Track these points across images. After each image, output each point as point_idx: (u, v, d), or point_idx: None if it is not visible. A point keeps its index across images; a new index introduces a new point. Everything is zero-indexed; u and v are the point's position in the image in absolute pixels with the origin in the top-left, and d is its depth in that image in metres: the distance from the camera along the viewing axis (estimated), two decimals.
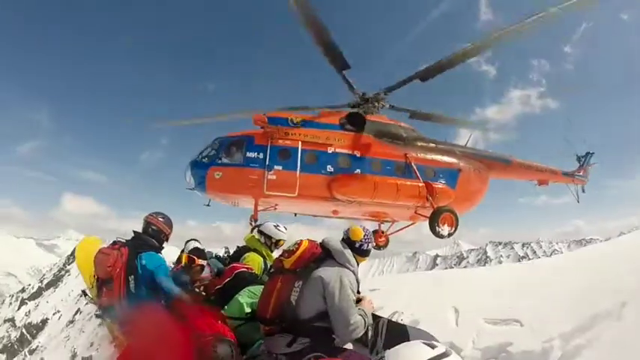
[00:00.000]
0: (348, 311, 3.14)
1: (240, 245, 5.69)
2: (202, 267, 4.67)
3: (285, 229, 5.56)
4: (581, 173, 13.79)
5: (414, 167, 8.35)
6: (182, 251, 5.67)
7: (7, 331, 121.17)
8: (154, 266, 4.39)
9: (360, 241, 3.79)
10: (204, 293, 4.40)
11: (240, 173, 7.67)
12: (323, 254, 3.49)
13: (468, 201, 9.22)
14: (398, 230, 10.39)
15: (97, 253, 4.47)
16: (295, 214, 9.32)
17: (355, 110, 8.73)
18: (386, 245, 10.78)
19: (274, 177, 7.51)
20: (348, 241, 3.76)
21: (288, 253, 3.53)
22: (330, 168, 8.00)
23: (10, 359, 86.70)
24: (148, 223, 4.81)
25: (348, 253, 3.50)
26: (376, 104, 8.97)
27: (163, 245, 4.84)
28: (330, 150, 8.00)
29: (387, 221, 10.22)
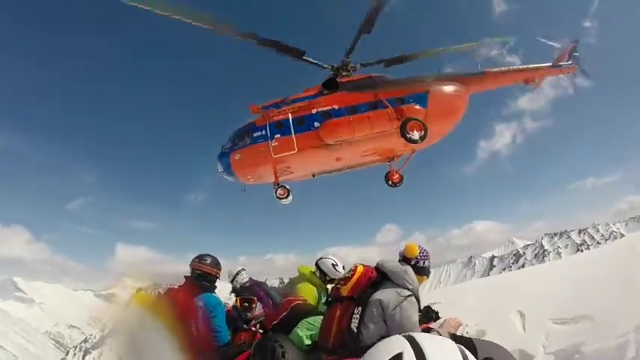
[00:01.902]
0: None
1: (294, 276, 5.72)
2: (256, 305, 4.81)
3: (344, 268, 5.48)
4: (568, 61, 13.12)
5: (384, 101, 9.52)
6: (233, 280, 5.97)
7: None
8: (212, 307, 4.52)
9: (416, 257, 3.73)
10: (261, 331, 4.42)
11: (252, 149, 9.49)
12: (379, 277, 3.40)
13: (446, 114, 9.99)
14: (405, 163, 11.03)
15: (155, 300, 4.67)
16: (314, 175, 10.72)
17: (340, 72, 10.10)
18: (401, 181, 11.17)
19: (276, 143, 9.27)
20: (404, 260, 3.70)
21: (344, 280, 3.48)
22: (316, 124, 9.62)
23: None
24: (193, 269, 4.95)
25: (406, 271, 3.39)
26: (347, 68, 10.19)
27: (215, 285, 4.95)
28: (313, 111, 9.60)
29: (391, 159, 10.89)
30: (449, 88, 10.31)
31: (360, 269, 3.47)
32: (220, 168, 10.46)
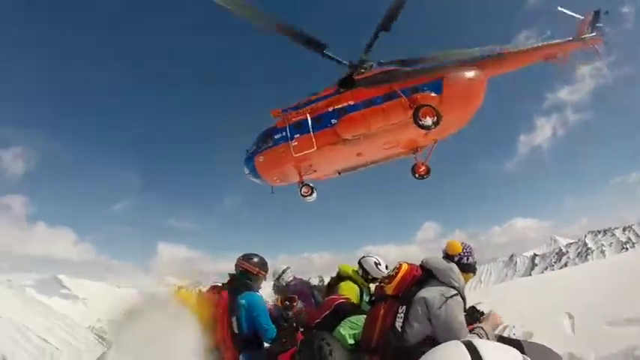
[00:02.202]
0: (458, 332, 2.91)
1: (335, 274, 5.68)
2: (297, 303, 4.77)
3: (387, 267, 5.43)
4: (591, 33, 12.06)
5: (398, 91, 9.41)
6: (278, 278, 5.98)
7: None
8: (252, 305, 4.53)
9: (460, 254, 3.67)
10: (302, 329, 4.41)
11: (274, 151, 9.73)
12: (424, 275, 3.29)
13: (462, 100, 9.74)
14: (430, 153, 10.88)
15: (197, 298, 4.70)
16: (339, 173, 10.82)
17: (357, 70, 10.13)
18: (428, 173, 11.05)
19: (296, 143, 9.44)
20: (447, 257, 3.62)
21: (389, 278, 3.38)
22: (333, 121, 9.67)
23: None
24: (238, 267, 4.96)
25: (451, 269, 3.28)
26: (364, 65, 10.17)
27: (259, 284, 4.97)
28: (330, 109, 9.68)
29: (414, 150, 10.77)
30: (464, 73, 10.08)
31: (404, 267, 3.38)
32: (247, 171, 10.82)
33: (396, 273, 3.36)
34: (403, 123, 9.61)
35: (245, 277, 4.86)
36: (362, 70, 10.22)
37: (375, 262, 5.49)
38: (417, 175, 10.82)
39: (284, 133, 9.91)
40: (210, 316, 4.48)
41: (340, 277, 5.46)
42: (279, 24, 9.37)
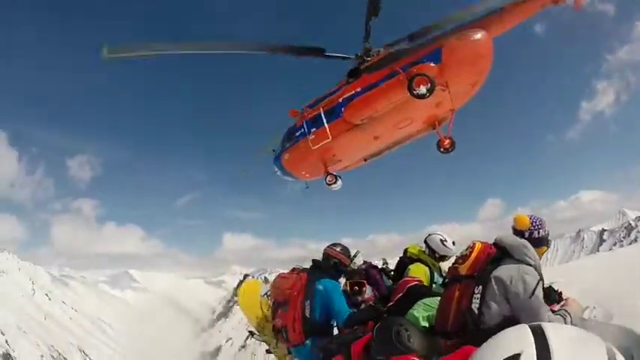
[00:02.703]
0: (538, 311, 2.87)
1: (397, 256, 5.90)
2: (365, 289, 4.96)
3: (454, 244, 5.47)
4: None
5: (398, 69, 9.00)
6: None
7: None
8: (330, 291, 4.53)
9: (529, 228, 3.76)
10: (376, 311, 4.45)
11: (295, 147, 10.17)
12: (499, 253, 3.27)
13: (465, 65, 8.96)
14: (450, 125, 10.01)
15: (276, 277, 4.88)
16: (365, 160, 10.65)
17: (364, 60, 9.80)
18: (452, 146, 10.00)
19: (313, 136, 9.78)
20: (515, 233, 3.70)
21: (462, 258, 3.41)
22: (343, 110, 9.70)
23: None
24: (325, 254, 5.06)
25: (525, 245, 3.20)
26: (370, 53, 9.85)
27: (340, 272, 5.01)
28: (340, 100, 9.72)
29: (433, 125, 9.94)
30: (464, 38, 8.98)
31: (478, 246, 3.40)
32: (276, 170, 11.00)
33: (470, 252, 3.38)
34: (407, 99, 9.08)
35: (327, 263, 4.97)
36: (367, 59, 9.87)
37: (441, 240, 5.47)
38: (442, 150, 9.83)
39: (303, 130, 9.91)
40: (284, 296, 4.65)
41: (409, 259, 5.44)
42: (267, 47, 9.61)
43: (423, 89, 8.34)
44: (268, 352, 5.58)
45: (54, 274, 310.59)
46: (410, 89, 8.53)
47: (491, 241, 3.41)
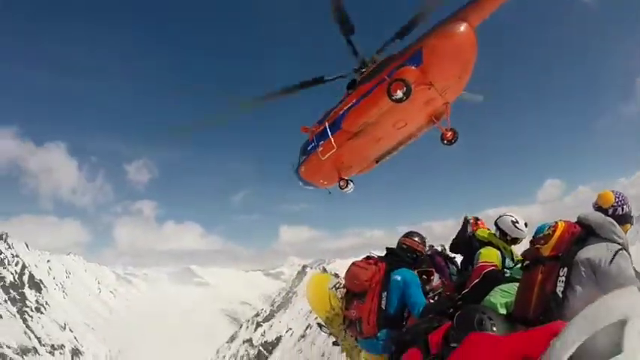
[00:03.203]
0: None
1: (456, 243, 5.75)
2: (434, 277, 4.99)
3: (526, 225, 5.14)
4: None
5: (386, 76, 8.64)
6: None
7: (246, 350, 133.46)
8: (407, 281, 4.38)
9: (613, 205, 3.66)
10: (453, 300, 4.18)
11: (309, 160, 10.20)
12: (584, 233, 3.08)
13: (447, 62, 8.35)
14: (448, 118, 9.41)
15: (351, 266, 4.71)
16: (377, 161, 10.51)
17: (360, 72, 9.76)
18: (455, 137, 9.34)
19: (321, 148, 9.71)
20: (599, 211, 3.57)
21: (545, 238, 3.21)
22: (342, 121, 9.56)
23: None
24: (400, 244, 4.92)
25: (612, 223, 3.01)
26: (365, 64, 9.67)
27: (416, 262, 4.86)
28: (341, 112, 9.58)
29: (432, 121, 9.50)
30: (442, 35, 8.29)
31: (561, 225, 3.22)
32: (298, 181, 11.14)
33: (553, 232, 3.20)
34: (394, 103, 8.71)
35: (404, 252, 4.81)
36: (363, 70, 9.64)
37: (513, 221, 5.16)
38: (445, 142, 9.31)
39: (313, 144, 10.02)
40: (362, 288, 4.50)
41: (479, 242, 5.14)
42: (271, 95, 10.31)
43: (399, 94, 8.07)
44: (335, 344, 5.70)
45: (118, 272, 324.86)
46: (389, 95, 8.25)
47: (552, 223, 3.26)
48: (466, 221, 5.72)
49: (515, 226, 5.05)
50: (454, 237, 5.83)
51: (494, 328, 2.47)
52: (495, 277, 4.02)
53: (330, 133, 9.61)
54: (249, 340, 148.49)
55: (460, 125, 9.48)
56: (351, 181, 10.40)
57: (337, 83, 9.90)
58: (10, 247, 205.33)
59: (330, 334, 5.89)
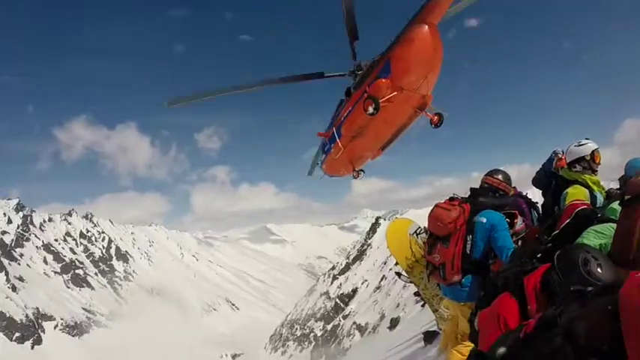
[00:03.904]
0: None
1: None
2: (518, 220, 4.55)
3: (587, 139, 4.71)
4: None
5: (367, 86, 9.03)
6: None
7: (324, 303, 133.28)
8: (494, 224, 4.14)
9: None
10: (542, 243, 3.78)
11: (327, 158, 11.04)
12: None
13: (413, 67, 8.48)
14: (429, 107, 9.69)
15: (434, 208, 4.42)
16: (383, 149, 10.97)
17: (355, 75, 9.94)
18: (440, 119, 9.38)
19: (333, 150, 10.39)
20: None
21: None
22: (342, 128, 10.06)
23: (327, 325, 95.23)
24: (483, 183, 4.80)
25: None
26: (361, 68, 9.77)
27: (503, 202, 4.56)
28: (342, 118, 9.98)
29: (419, 111, 9.60)
30: (404, 42, 8.40)
31: None
32: (324, 174, 12.00)
33: None
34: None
35: (488, 193, 4.64)
36: (357, 73, 9.83)
37: (575, 145, 4.73)
38: (434, 126, 9.48)
39: (328, 145, 10.87)
40: (446, 230, 4.24)
41: (564, 181, 4.74)
42: (271, 80, 10.94)
43: (370, 110, 8.57)
44: (416, 294, 5.96)
45: (199, 237, 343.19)
46: (364, 110, 8.80)
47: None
48: (554, 155, 5.40)
49: (579, 145, 4.62)
50: (538, 170, 5.59)
51: (600, 270, 2.21)
52: (588, 217, 3.54)
53: (337, 137, 10.25)
54: (326, 293, 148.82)
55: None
56: (363, 171, 11.38)
57: (335, 82, 10.46)
58: (96, 226, 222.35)
59: (411, 282, 6.00)
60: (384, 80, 8.52)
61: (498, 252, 3.98)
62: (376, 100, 8.42)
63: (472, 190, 4.62)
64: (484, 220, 4.09)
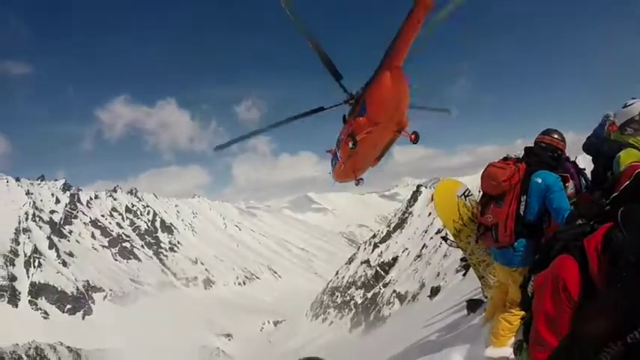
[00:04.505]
0: None
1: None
2: (569, 184, 4.47)
3: (634, 98, 4.45)
4: None
5: (352, 119, 9.63)
6: None
7: (364, 271, 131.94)
8: (549, 184, 4.00)
9: None
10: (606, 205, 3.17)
11: (335, 170, 11.57)
12: None
13: (385, 105, 8.64)
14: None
15: (488, 167, 4.33)
16: (378, 159, 11.33)
17: (349, 103, 9.88)
18: (417, 137, 9.43)
19: (337, 164, 11.13)
20: None
21: None
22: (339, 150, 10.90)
23: (367, 293, 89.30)
24: (538, 143, 4.47)
25: None
26: (354, 97, 9.82)
27: (559, 162, 4.42)
28: (339, 143, 10.78)
29: (398, 133, 9.72)
30: (373, 85, 8.56)
31: None
32: (334, 181, 12.44)
33: None
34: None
35: (544, 152, 4.35)
36: (351, 102, 9.89)
37: (624, 106, 4.52)
38: (412, 142, 9.69)
39: (335, 160, 11.52)
40: (500, 189, 4.10)
41: (617, 145, 4.45)
42: (280, 123, 10.84)
43: (350, 145, 9.01)
44: (463, 260, 5.61)
45: (241, 207, 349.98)
46: (346, 144, 9.36)
47: None
48: (605, 119, 5.11)
49: (626, 106, 4.44)
50: (589, 135, 5.34)
51: None
52: None
53: (338, 155, 11.18)
54: (367, 261, 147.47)
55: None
56: (362, 179, 11.64)
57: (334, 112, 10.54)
58: (140, 200, 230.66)
59: (457, 246, 5.87)
60: (361, 119, 9.05)
61: (554, 214, 3.82)
62: (354, 137, 9.06)
63: (527, 149, 4.41)
64: (539, 181, 3.95)
